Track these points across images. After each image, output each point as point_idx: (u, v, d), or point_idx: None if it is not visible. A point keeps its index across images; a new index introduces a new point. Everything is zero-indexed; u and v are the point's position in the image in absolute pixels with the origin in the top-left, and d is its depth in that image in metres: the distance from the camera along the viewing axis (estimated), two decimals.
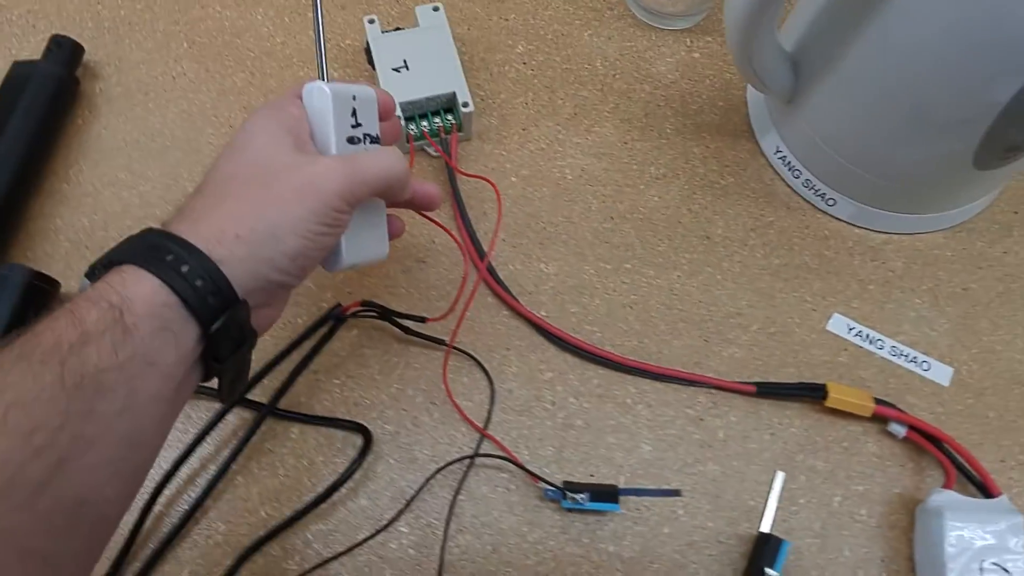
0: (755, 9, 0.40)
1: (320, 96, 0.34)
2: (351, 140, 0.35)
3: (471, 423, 0.45)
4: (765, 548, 0.42)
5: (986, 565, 0.40)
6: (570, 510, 0.43)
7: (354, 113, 0.35)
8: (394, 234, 0.40)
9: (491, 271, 0.49)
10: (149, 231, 0.30)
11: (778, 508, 0.44)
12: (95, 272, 0.29)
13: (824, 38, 0.46)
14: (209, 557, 0.42)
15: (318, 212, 0.31)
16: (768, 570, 0.41)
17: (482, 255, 0.49)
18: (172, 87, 0.54)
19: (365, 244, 0.37)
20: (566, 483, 0.43)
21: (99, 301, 0.26)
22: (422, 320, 0.45)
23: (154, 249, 0.28)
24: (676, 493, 0.43)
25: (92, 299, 0.27)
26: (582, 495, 0.41)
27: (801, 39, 0.48)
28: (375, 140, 0.36)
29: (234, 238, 0.29)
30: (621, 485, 0.44)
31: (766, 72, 0.46)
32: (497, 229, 0.50)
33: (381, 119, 0.37)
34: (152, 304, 0.27)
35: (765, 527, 0.43)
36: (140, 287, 0.27)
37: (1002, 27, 0.37)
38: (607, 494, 0.42)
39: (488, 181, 0.50)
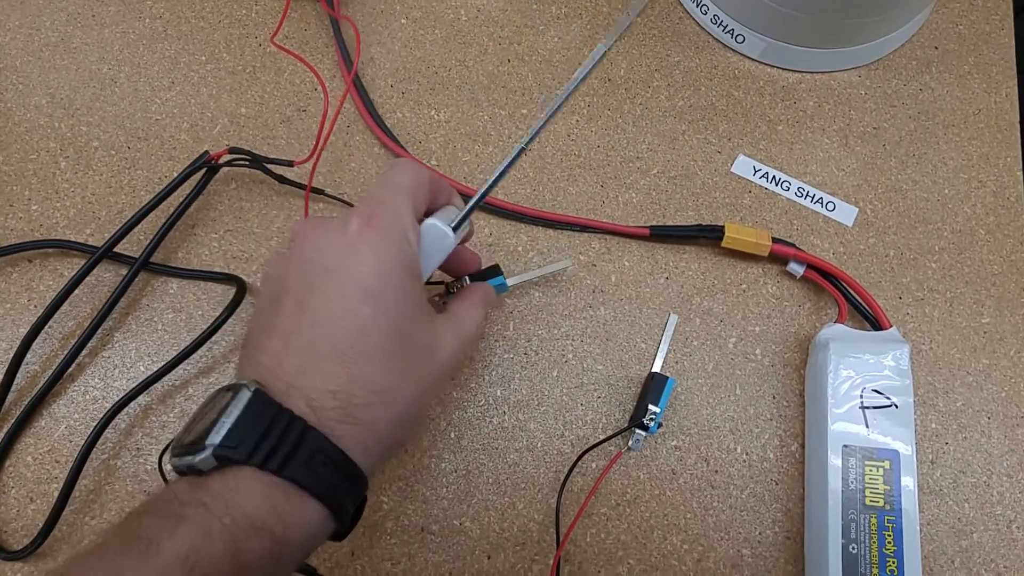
0: None
1: (441, 244, 0.31)
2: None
3: None
4: (650, 385, 0.40)
5: (867, 392, 0.39)
6: None
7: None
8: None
9: (377, 119, 0.45)
10: (308, 430, 0.26)
11: (671, 350, 0.43)
12: (265, 456, 0.25)
13: None
14: (86, 412, 0.40)
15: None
16: (651, 406, 0.39)
17: (364, 98, 0.45)
18: None
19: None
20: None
21: (261, 533, 0.24)
22: (289, 164, 0.41)
23: (327, 469, 0.26)
24: (564, 264, 0.41)
25: (255, 527, 0.24)
26: (465, 279, 0.37)
27: None
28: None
29: (386, 438, 0.28)
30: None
31: None
32: (358, 54, 0.46)
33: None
34: (308, 532, 0.26)
35: (656, 368, 0.42)
36: (304, 515, 0.25)
37: None
38: (489, 271, 0.38)
39: (348, 20, 0.45)
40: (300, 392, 0.26)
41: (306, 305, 0.27)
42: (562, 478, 0.39)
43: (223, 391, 0.26)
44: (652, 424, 0.39)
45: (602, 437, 0.40)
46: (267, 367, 0.27)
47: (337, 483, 0.26)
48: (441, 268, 0.34)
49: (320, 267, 0.28)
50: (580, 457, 0.39)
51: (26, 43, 0.46)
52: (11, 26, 0.47)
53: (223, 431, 0.24)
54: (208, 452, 0.24)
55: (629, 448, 0.40)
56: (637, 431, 0.40)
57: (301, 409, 0.26)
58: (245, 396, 0.25)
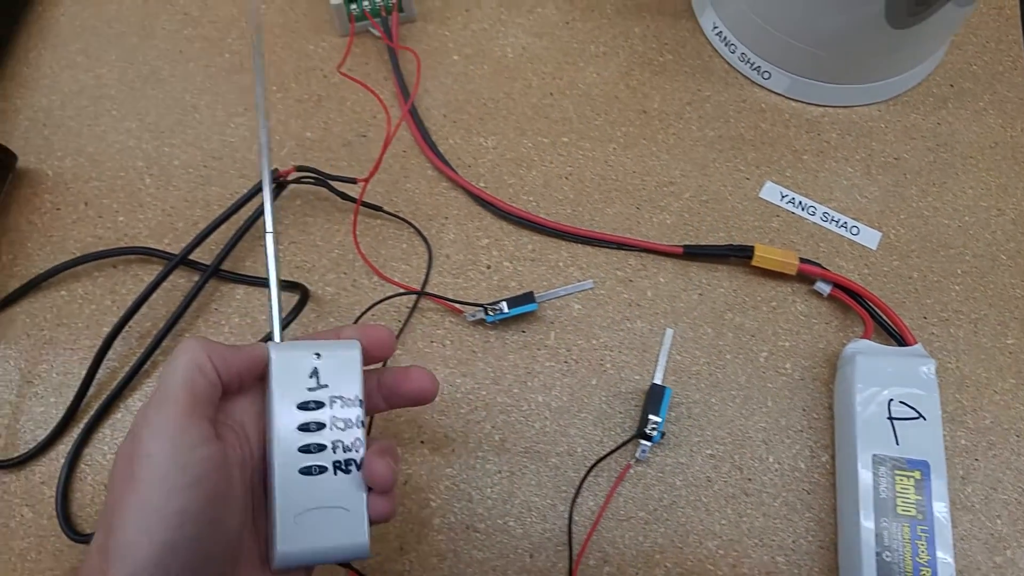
0: None
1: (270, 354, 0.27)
2: (304, 406, 0.27)
3: (382, 276, 0.42)
4: (650, 396, 0.38)
5: (895, 404, 0.37)
6: (495, 326, 0.42)
7: (315, 374, 0.27)
8: (380, 517, 0.28)
9: (431, 145, 0.45)
10: None
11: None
12: None
13: None
14: None
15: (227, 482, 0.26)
16: (651, 416, 0.38)
17: (420, 126, 0.46)
18: None
19: (318, 529, 0.26)
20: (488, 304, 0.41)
21: None
22: (352, 181, 0.41)
23: None
24: (588, 285, 0.42)
25: None
26: (502, 304, 0.40)
27: None
28: (351, 403, 0.28)
29: (144, 530, 0.24)
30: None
31: None
32: (417, 82, 0.46)
33: (371, 363, 0.30)
34: None
35: (657, 380, 0.40)
36: None
37: None
38: (524, 297, 0.41)
39: (411, 51, 0.46)
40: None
41: None
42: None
43: None
44: (655, 434, 0.38)
45: (607, 450, 0.39)
46: None
47: None
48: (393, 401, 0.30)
49: None
50: (589, 472, 0.38)
51: (121, 75, 0.48)
52: (109, 60, 0.48)
53: None
54: None
55: (636, 460, 0.39)
56: (643, 442, 0.38)
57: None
58: None
